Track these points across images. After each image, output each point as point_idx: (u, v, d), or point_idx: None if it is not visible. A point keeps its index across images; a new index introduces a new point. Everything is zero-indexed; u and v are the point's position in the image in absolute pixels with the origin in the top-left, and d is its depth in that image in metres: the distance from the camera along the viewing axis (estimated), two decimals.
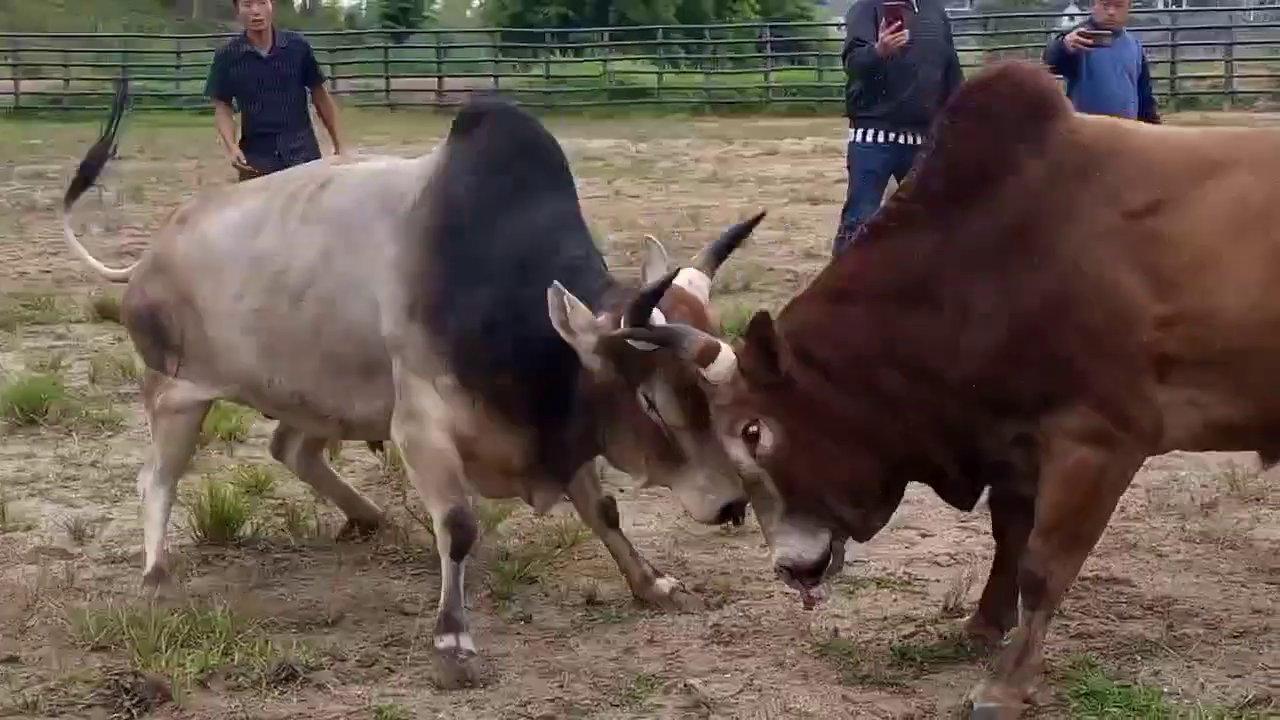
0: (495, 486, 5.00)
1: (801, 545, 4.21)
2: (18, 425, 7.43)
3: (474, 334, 4.64)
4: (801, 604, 4.44)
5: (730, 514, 4.46)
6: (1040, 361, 4.02)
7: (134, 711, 4.25)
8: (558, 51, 39.00)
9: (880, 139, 9.13)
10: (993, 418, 4.12)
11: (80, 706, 4.31)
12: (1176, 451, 4.82)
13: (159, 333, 5.29)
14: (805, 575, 4.27)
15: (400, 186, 4.94)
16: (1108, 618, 4.85)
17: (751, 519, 4.44)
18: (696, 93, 35.59)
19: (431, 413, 4.69)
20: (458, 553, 4.66)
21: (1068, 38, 8.77)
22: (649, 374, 4.33)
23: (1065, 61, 8.67)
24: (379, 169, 5.23)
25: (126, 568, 5.49)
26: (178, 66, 37.71)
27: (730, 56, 39.57)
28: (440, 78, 37.04)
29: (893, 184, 8.92)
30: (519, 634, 4.86)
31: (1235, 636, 4.73)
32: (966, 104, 4.37)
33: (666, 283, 4.30)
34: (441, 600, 4.65)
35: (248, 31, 9.34)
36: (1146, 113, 8.77)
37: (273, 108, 9.22)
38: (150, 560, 5.24)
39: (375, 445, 5.99)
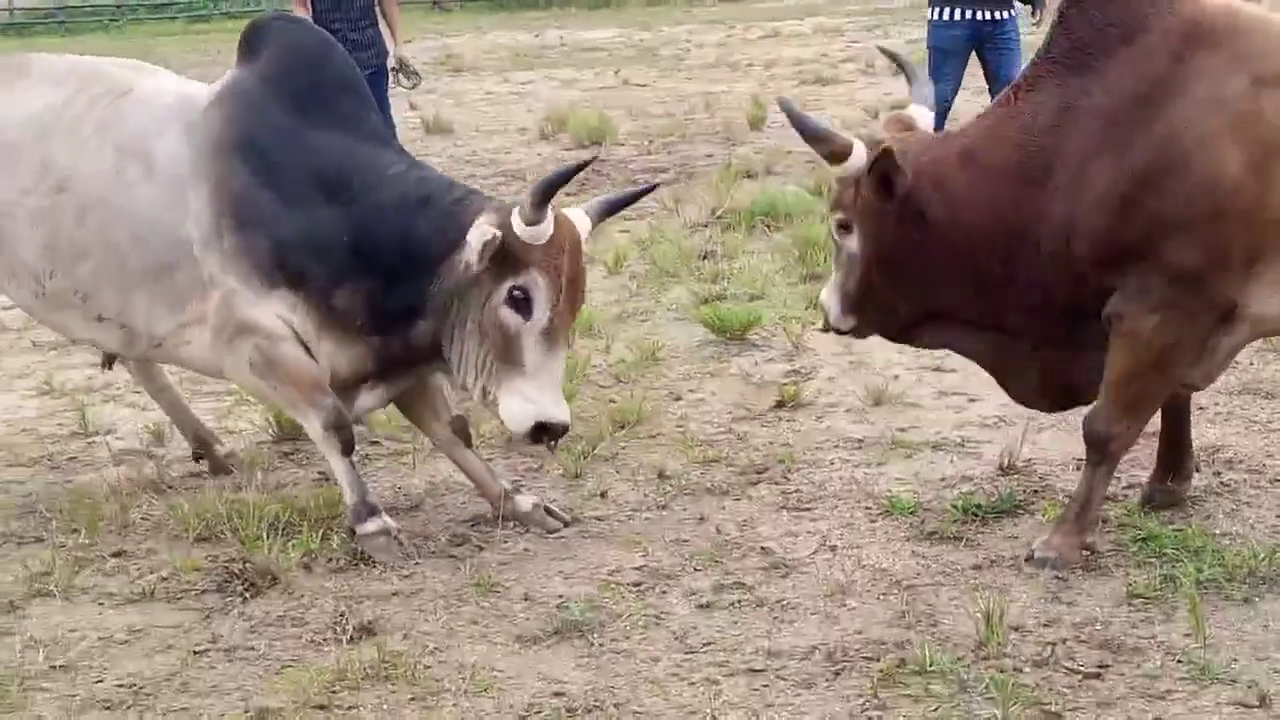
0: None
1: (836, 315, 4.72)
2: None
3: (297, 248, 4.68)
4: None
5: (543, 434, 4.55)
6: (1134, 230, 4.16)
7: (246, 595, 4.50)
8: None
9: (957, 15, 9.55)
10: (1089, 297, 4.28)
11: (195, 593, 4.56)
12: None
13: None
14: (831, 324, 4.80)
15: (196, 98, 4.98)
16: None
17: None
18: None
19: (272, 323, 4.70)
20: (347, 450, 4.79)
21: None
22: (525, 270, 4.46)
23: None
24: (181, 84, 5.21)
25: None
26: None
27: None
28: None
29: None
30: (596, 510, 5.09)
31: (1278, 481, 4.98)
32: None
33: (578, 168, 4.60)
34: (349, 494, 4.80)
35: None
36: None
37: (344, 6, 9.48)
38: None
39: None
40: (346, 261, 4.66)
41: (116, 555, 4.85)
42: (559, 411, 4.51)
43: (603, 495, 5.20)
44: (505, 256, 4.46)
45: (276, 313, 4.71)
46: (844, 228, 4.57)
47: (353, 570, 4.64)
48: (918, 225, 4.41)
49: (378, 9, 9.76)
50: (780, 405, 6.04)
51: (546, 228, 4.44)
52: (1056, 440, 5.41)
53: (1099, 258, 4.22)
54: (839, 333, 4.82)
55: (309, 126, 4.78)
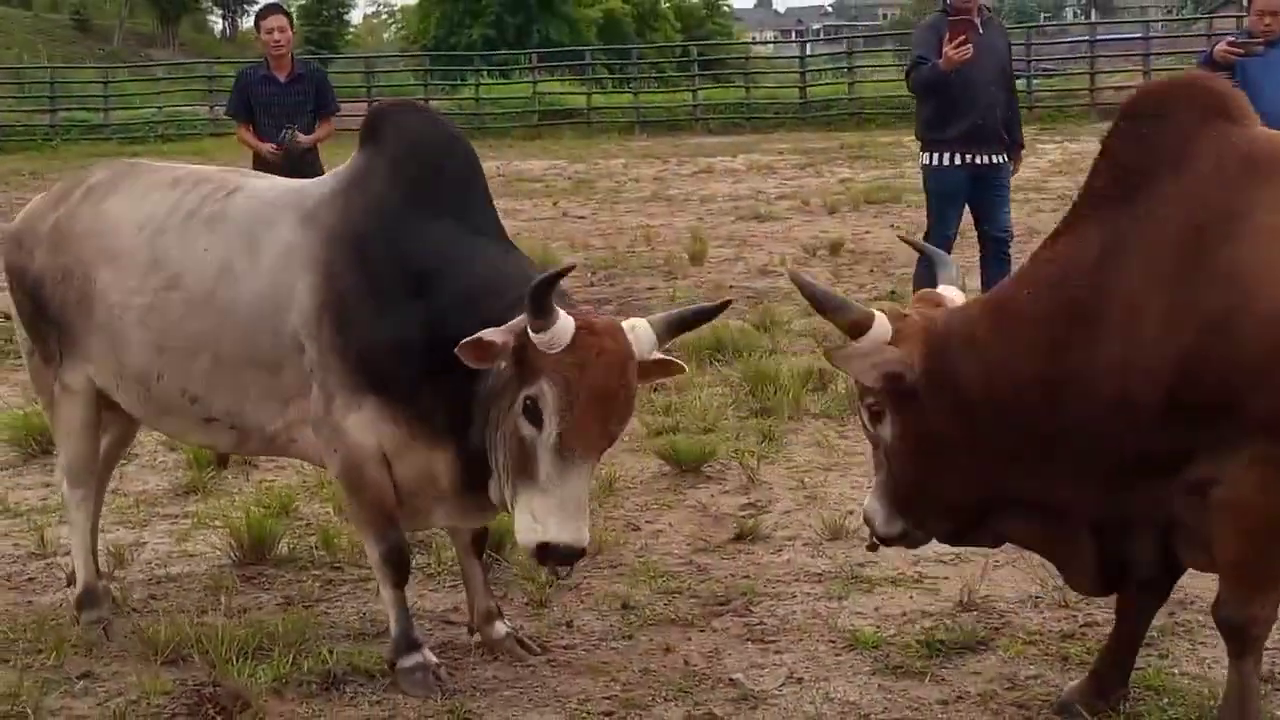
0: (418, 515, 4.85)
1: (883, 520, 4.31)
2: (31, 455, 7.63)
3: (383, 347, 4.55)
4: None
5: (548, 557, 4.25)
6: (1213, 383, 3.72)
7: (218, 719, 4.49)
8: (485, 74, 39.17)
9: (955, 160, 9.35)
10: (1161, 457, 3.85)
11: (165, 716, 4.55)
12: None
13: (40, 304, 5.17)
14: (878, 534, 4.38)
15: (312, 187, 4.96)
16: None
17: None
18: (626, 112, 35.84)
19: (362, 439, 4.61)
20: (399, 583, 4.78)
21: (1217, 47, 8.56)
22: (538, 377, 4.19)
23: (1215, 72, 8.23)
24: (290, 181, 5.23)
25: (172, 586, 5.74)
26: (105, 97, 37.47)
27: (654, 76, 39.95)
28: (370, 101, 36.95)
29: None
30: (562, 638, 5.13)
31: None
32: (1142, 106, 4.12)
33: (561, 273, 4.16)
34: (395, 626, 4.78)
35: (268, 57, 9.75)
36: None
37: (286, 130, 9.63)
38: (79, 579, 5.28)
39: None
40: (426, 361, 4.46)
41: (84, 677, 4.84)
42: (565, 533, 4.15)
43: (569, 625, 5.24)
44: (524, 362, 4.21)
45: (366, 424, 4.59)
46: (876, 416, 4.18)
47: (324, 695, 4.65)
48: (953, 393, 4.04)
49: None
50: (739, 538, 6.11)
51: (555, 336, 4.12)
52: (1013, 578, 5.52)
53: (1169, 407, 3.77)
54: (888, 543, 4.40)
55: (419, 218, 4.62)
